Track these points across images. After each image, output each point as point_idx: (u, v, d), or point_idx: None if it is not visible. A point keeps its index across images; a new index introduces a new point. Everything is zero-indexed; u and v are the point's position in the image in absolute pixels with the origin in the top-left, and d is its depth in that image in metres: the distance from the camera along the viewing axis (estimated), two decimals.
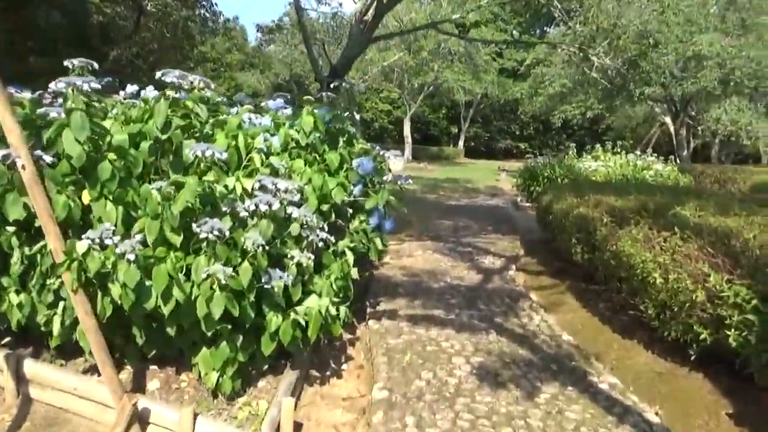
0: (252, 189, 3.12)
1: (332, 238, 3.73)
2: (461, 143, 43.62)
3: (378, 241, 4.49)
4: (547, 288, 6.29)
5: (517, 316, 5.16)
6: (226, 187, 2.93)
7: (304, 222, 3.31)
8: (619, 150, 14.06)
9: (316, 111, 4.41)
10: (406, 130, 34.77)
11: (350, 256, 3.93)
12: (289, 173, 3.78)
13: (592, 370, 3.98)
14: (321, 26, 22.03)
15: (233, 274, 2.69)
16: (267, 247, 3.19)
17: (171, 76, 3.07)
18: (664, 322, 4.02)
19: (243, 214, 2.90)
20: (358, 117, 5.32)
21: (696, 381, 3.73)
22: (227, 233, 2.75)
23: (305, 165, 3.88)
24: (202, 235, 2.65)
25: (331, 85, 5.39)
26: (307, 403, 3.62)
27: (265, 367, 3.46)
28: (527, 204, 13.30)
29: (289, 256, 3.17)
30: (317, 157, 4.01)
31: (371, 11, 10.36)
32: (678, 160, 19.48)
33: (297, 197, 3.44)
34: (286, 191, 3.31)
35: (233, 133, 3.41)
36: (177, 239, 2.80)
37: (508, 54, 40.04)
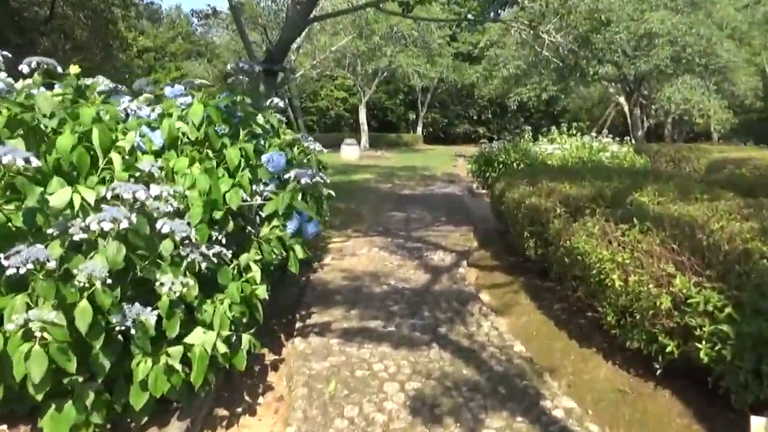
0: (102, 200, 2.41)
1: (228, 253, 3.06)
2: (419, 129, 43.13)
3: (298, 249, 3.80)
4: (500, 286, 5.75)
5: (464, 323, 4.60)
6: (42, 199, 2.21)
7: (182, 237, 2.63)
8: (574, 132, 13.71)
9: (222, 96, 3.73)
10: (362, 117, 34.03)
11: (257, 272, 3.27)
12: (172, 175, 3.08)
13: (545, 390, 3.43)
14: (262, 10, 21.01)
15: (58, 320, 2.00)
16: (131, 274, 2.51)
17: None
18: (626, 329, 3.51)
19: (81, 236, 2.20)
20: (280, 103, 4.63)
21: (663, 400, 3.22)
22: (53, 264, 2.05)
23: (194, 164, 3.18)
24: (10, 271, 1.95)
25: (252, 68, 4.66)
26: None
27: (144, 419, 2.78)
28: (483, 191, 12.81)
29: (159, 282, 2.49)
30: (209, 154, 3.31)
31: None
32: (633, 141, 19.39)
33: (175, 206, 2.76)
34: (157, 199, 2.62)
35: (86, 128, 2.69)
36: None
37: (463, 37, 39.65)
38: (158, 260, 2.61)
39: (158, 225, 2.57)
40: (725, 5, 21.18)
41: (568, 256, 4.23)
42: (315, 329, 4.43)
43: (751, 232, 3.45)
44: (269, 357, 4.10)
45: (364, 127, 34.16)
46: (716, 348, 2.78)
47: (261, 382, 3.80)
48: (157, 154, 3.29)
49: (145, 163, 2.80)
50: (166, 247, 2.58)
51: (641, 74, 21.54)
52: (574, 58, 16.98)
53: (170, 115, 3.36)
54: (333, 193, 5.37)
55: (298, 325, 4.56)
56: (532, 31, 10.89)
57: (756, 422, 2.47)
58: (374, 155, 27.85)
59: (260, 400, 3.58)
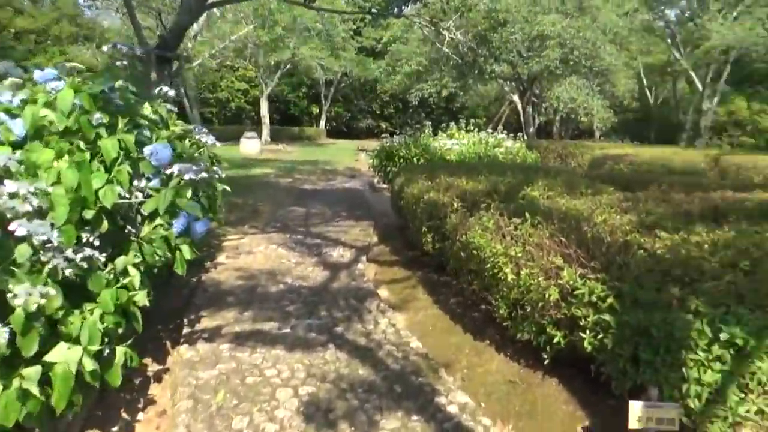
0: None
1: (101, 256, 2.77)
2: (323, 123, 42.74)
3: (185, 249, 3.54)
4: (399, 281, 5.76)
5: (362, 321, 4.53)
6: None
7: (42, 241, 2.33)
8: (472, 128, 14.14)
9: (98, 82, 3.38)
10: (264, 110, 33.10)
11: (136, 276, 2.99)
12: (34, 170, 2.74)
13: (440, 386, 3.44)
14: None
15: None
16: None
17: None
18: (517, 322, 3.60)
19: None
20: (170, 91, 4.30)
21: (551, 389, 3.34)
22: None
23: (62, 157, 2.85)
24: None
25: (132, 51, 4.30)
26: None
27: None
28: (384, 185, 12.89)
29: (12, 294, 2.19)
30: (81, 146, 2.99)
31: None
32: (525, 137, 20.38)
33: (36, 205, 2.44)
34: (13, 197, 2.31)
35: None
36: None
37: (367, 32, 39.72)
38: (12, 268, 2.30)
39: (12, 227, 2.26)
40: (608, 11, 22.72)
41: (464, 250, 4.29)
42: (204, 334, 4.18)
43: (630, 224, 3.66)
44: (152, 367, 3.80)
45: (266, 120, 33.26)
46: (599, 337, 2.90)
47: (141, 396, 3.51)
48: (18, 146, 2.92)
49: (1, 156, 2.46)
50: (21, 252, 2.28)
51: (533, 74, 22.62)
52: (472, 56, 17.51)
53: (35, 102, 3.00)
54: (228, 188, 5.12)
55: (185, 330, 4.27)
56: (433, 28, 11.05)
57: (634, 406, 2.60)
58: (276, 149, 27.25)
59: (140, 416, 3.30)
